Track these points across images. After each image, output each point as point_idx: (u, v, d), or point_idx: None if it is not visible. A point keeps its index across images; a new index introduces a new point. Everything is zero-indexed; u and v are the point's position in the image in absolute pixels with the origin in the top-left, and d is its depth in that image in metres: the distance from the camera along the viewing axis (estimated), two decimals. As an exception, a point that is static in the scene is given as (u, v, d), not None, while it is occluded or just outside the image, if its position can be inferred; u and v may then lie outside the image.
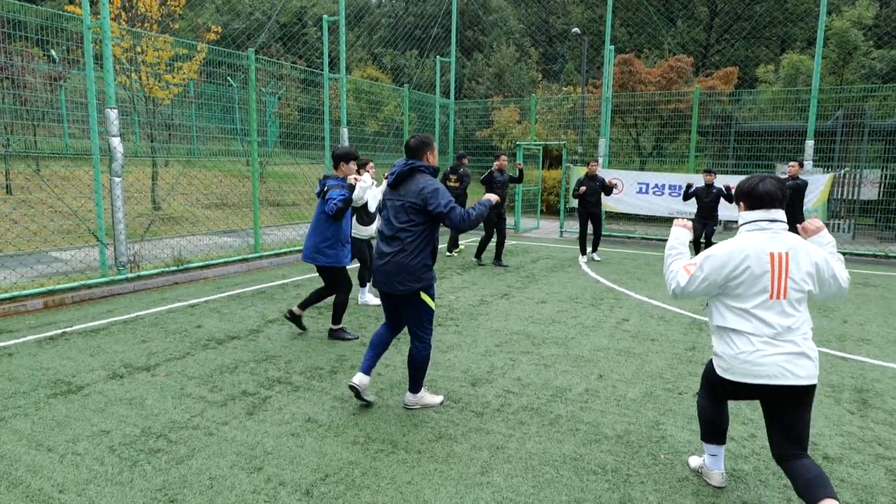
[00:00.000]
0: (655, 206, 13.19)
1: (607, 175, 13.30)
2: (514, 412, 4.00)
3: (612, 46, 13.54)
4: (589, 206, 10.59)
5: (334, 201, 5.12)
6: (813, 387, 2.69)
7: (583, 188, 10.45)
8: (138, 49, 11.37)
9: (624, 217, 15.48)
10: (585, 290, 8.03)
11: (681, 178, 12.91)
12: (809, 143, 11.81)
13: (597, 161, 10.87)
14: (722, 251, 2.71)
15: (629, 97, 15.11)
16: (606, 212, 14.35)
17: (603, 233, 13.91)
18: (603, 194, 10.68)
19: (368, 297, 7.14)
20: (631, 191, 13.39)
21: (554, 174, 18.11)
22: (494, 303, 7.22)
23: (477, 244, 10.43)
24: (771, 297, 2.65)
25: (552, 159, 20.33)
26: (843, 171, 13.27)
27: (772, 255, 2.65)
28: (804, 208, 11.67)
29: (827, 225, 14.25)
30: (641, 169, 17.27)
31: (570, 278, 8.90)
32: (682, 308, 7.08)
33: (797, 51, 19.62)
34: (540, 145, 15.12)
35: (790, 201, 8.61)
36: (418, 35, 38.97)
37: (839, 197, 14.12)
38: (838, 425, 3.90)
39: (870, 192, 14.06)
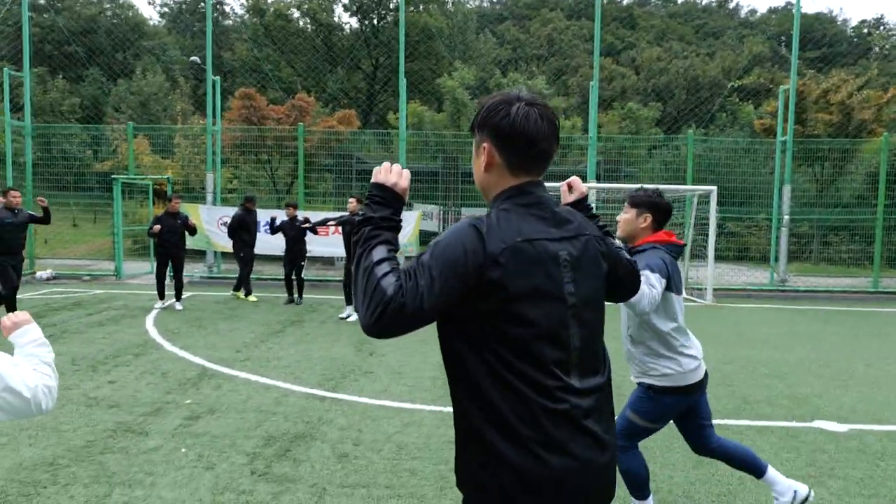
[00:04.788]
0: (274, 243, 12.62)
1: (223, 213, 12.34)
2: None
3: (218, 77, 12.77)
4: (169, 246, 9.32)
5: None
6: None
7: (157, 227, 9.18)
8: None
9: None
10: (97, 349, 6.68)
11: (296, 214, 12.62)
12: (402, 182, 12.69)
13: (180, 197, 9.73)
14: None
15: (243, 132, 14.51)
16: (223, 253, 13.27)
17: (214, 274, 12.91)
18: (187, 234, 9.54)
19: None
20: (243, 229, 12.59)
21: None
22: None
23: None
24: None
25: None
26: (440, 209, 14.68)
27: None
28: (402, 243, 12.55)
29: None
30: (278, 206, 16.82)
31: (106, 334, 7.44)
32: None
33: (419, 102, 22.01)
34: (144, 180, 13.39)
35: None
36: (49, 51, 33.09)
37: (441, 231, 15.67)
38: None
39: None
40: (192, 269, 13.02)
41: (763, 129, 17.47)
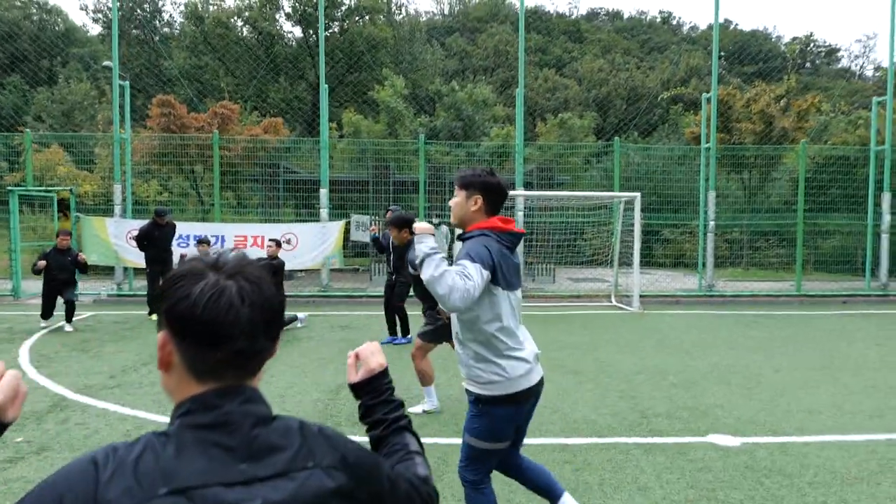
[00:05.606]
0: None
1: (131, 225, 11.54)
2: None
3: (126, 81, 12.05)
4: (57, 283, 8.50)
5: None
6: None
7: (42, 263, 8.37)
8: None
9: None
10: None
11: (208, 228, 11.97)
12: (324, 192, 12.21)
13: (69, 234, 8.79)
14: None
15: (162, 140, 13.78)
16: (135, 269, 12.46)
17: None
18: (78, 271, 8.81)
19: None
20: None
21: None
22: None
23: None
24: None
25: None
26: (354, 218, 14.05)
27: None
28: (325, 255, 12.01)
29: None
30: (203, 220, 16.05)
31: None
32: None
33: (354, 111, 21.58)
34: (48, 192, 12.49)
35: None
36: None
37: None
38: None
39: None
40: (97, 287, 12.20)
41: (693, 138, 17.76)
